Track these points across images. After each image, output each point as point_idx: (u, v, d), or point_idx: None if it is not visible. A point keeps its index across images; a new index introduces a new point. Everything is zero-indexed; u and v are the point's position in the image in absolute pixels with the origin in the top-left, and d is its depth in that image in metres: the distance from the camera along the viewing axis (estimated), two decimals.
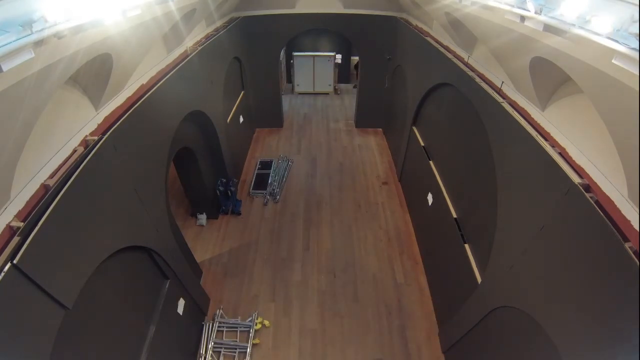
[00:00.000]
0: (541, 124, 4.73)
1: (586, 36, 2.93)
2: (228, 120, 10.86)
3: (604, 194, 3.54)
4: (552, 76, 4.21)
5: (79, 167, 3.88)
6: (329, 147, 14.33)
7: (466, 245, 6.50)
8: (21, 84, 2.79)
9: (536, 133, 4.52)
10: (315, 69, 17.57)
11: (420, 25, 10.26)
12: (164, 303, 6.01)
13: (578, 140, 4.10)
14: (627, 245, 2.97)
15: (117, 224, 4.70)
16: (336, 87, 19.05)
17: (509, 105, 5.20)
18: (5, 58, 2.50)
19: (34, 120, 3.37)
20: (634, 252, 2.91)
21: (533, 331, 4.23)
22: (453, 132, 7.57)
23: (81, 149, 4.13)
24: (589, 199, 3.45)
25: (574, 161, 4.04)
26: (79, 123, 4.34)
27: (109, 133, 4.50)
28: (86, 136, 4.36)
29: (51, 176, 3.71)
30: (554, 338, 3.82)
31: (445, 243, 7.62)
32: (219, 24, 10.20)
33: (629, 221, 3.18)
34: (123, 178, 4.88)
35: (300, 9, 12.09)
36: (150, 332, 5.55)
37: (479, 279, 5.84)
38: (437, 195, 8.10)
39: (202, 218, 10.39)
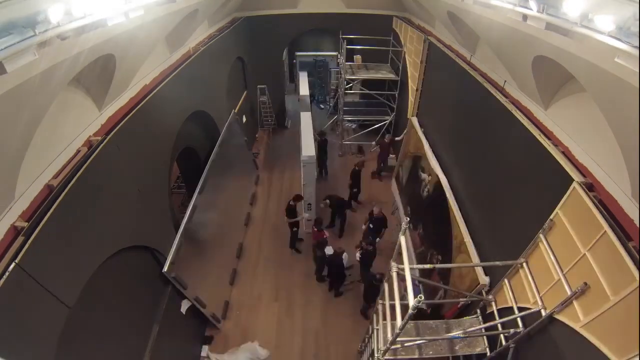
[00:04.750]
0: (544, 123, 4.71)
1: (589, 34, 2.90)
2: None
3: (608, 193, 3.51)
4: (554, 75, 4.19)
5: (82, 167, 3.91)
6: (333, 147, 14.29)
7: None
8: (25, 85, 2.81)
9: (539, 132, 4.50)
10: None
11: (422, 24, 10.24)
12: (167, 303, 6.03)
13: (581, 139, 4.08)
14: (630, 244, 2.95)
15: (120, 224, 4.72)
16: None
17: (511, 105, 5.18)
18: (9, 59, 2.52)
19: (38, 121, 3.40)
20: (637, 251, 2.89)
21: (533, 331, 4.21)
22: (455, 131, 7.54)
23: (85, 150, 4.16)
24: (592, 198, 3.43)
25: (577, 160, 4.02)
26: (82, 124, 4.37)
27: (112, 134, 4.53)
28: (90, 137, 4.39)
29: (55, 176, 3.74)
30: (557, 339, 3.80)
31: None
32: (221, 24, 10.23)
33: (632, 220, 3.16)
34: (126, 178, 4.90)
35: (303, 8, 12.09)
36: (154, 331, 5.57)
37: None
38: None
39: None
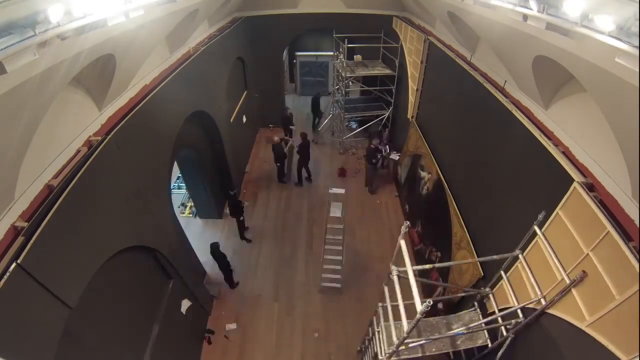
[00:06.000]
0: (544, 123, 4.71)
1: (589, 34, 2.90)
2: (231, 120, 10.89)
3: (608, 193, 3.52)
4: (555, 75, 4.19)
5: (82, 167, 3.91)
6: (333, 146, 14.31)
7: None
8: (25, 85, 2.81)
9: (539, 132, 4.50)
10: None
11: (422, 24, 10.23)
12: (167, 303, 6.04)
13: (582, 139, 4.08)
14: (630, 244, 2.95)
15: (121, 224, 4.73)
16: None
17: (512, 104, 5.18)
18: (9, 59, 2.52)
19: (38, 121, 3.40)
20: (637, 251, 2.89)
21: (534, 331, 4.22)
22: (455, 130, 7.54)
23: (85, 150, 4.16)
24: (593, 198, 3.43)
25: (577, 160, 4.02)
26: (82, 123, 4.37)
27: (112, 133, 4.52)
28: (90, 137, 4.39)
29: (55, 176, 3.74)
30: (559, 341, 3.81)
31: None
32: (221, 24, 10.23)
33: (633, 220, 3.16)
34: (126, 178, 4.90)
35: (303, 8, 12.09)
36: (154, 331, 5.58)
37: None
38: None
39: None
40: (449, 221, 7.16)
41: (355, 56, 13.16)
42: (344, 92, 12.93)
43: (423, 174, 9.17)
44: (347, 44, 11.33)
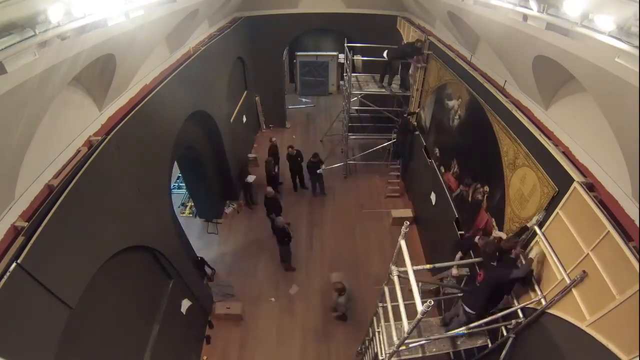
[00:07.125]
0: (545, 123, 4.71)
1: (589, 34, 2.90)
2: (231, 120, 10.88)
3: (608, 193, 3.51)
4: (555, 75, 4.19)
5: (82, 167, 3.91)
6: (333, 147, 14.29)
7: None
8: (25, 85, 2.81)
9: (540, 132, 4.50)
10: None
11: (422, 24, 10.23)
12: (167, 303, 6.03)
13: (582, 138, 4.07)
14: (630, 244, 2.95)
15: (121, 224, 4.72)
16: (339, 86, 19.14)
17: (512, 105, 5.17)
18: (9, 59, 2.52)
19: (38, 121, 3.40)
20: (637, 251, 2.89)
21: (535, 331, 4.22)
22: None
23: (85, 149, 4.16)
24: (593, 198, 3.43)
25: (577, 160, 4.02)
26: (82, 123, 4.37)
27: (112, 133, 4.52)
28: (90, 136, 4.39)
29: (55, 176, 3.74)
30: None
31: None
32: (221, 24, 10.22)
33: (633, 220, 3.16)
34: (126, 178, 4.90)
35: (303, 8, 12.09)
36: (154, 331, 5.58)
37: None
38: (441, 195, 8.06)
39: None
40: (495, 140, 5.78)
41: (355, 56, 12.92)
42: (347, 110, 11.35)
43: (452, 102, 7.91)
44: (354, 49, 10.44)
